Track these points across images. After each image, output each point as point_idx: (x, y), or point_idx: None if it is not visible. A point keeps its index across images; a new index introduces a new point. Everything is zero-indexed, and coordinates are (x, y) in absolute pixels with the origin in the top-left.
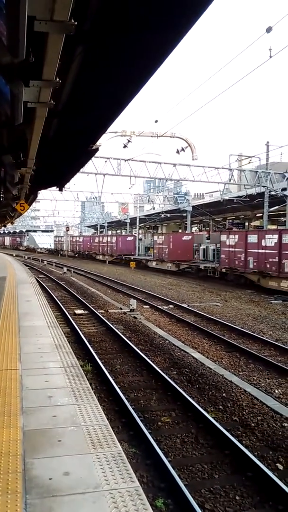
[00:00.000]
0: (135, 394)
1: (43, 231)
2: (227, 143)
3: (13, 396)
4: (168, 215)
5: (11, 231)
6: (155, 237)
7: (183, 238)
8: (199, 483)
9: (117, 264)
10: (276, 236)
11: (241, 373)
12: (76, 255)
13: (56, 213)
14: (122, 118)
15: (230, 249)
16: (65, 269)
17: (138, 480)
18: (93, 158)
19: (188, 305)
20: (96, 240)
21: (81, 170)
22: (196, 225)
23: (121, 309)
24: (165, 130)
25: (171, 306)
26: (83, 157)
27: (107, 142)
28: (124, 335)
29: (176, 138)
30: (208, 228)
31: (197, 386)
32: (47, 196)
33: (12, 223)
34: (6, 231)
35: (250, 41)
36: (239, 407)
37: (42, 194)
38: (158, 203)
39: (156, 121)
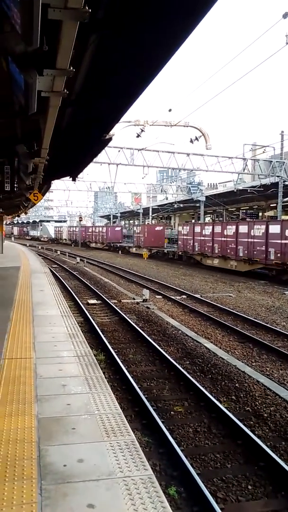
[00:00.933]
0: (148, 384)
1: (56, 221)
2: (241, 133)
3: (28, 384)
4: (181, 205)
5: (25, 221)
6: (134, 228)
7: (156, 229)
8: (211, 472)
9: (130, 255)
10: (210, 227)
11: (254, 364)
12: (73, 243)
13: (69, 203)
14: (135, 108)
15: (184, 237)
16: (78, 259)
17: (151, 468)
18: (106, 148)
19: (201, 296)
20: (90, 230)
21: (94, 160)
22: (209, 215)
23: (134, 299)
24: (179, 119)
25: (184, 296)
26: (96, 146)
27: (120, 132)
28: (137, 325)
29: (190, 127)
30: (221, 218)
31: (210, 376)
32: (60, 186)
33: (25, 213)
34: (20, 221)
35: (266, 27)
36: (252, 397)
37: (56, 184)
38: (171, 193)
39: (170, 110)
